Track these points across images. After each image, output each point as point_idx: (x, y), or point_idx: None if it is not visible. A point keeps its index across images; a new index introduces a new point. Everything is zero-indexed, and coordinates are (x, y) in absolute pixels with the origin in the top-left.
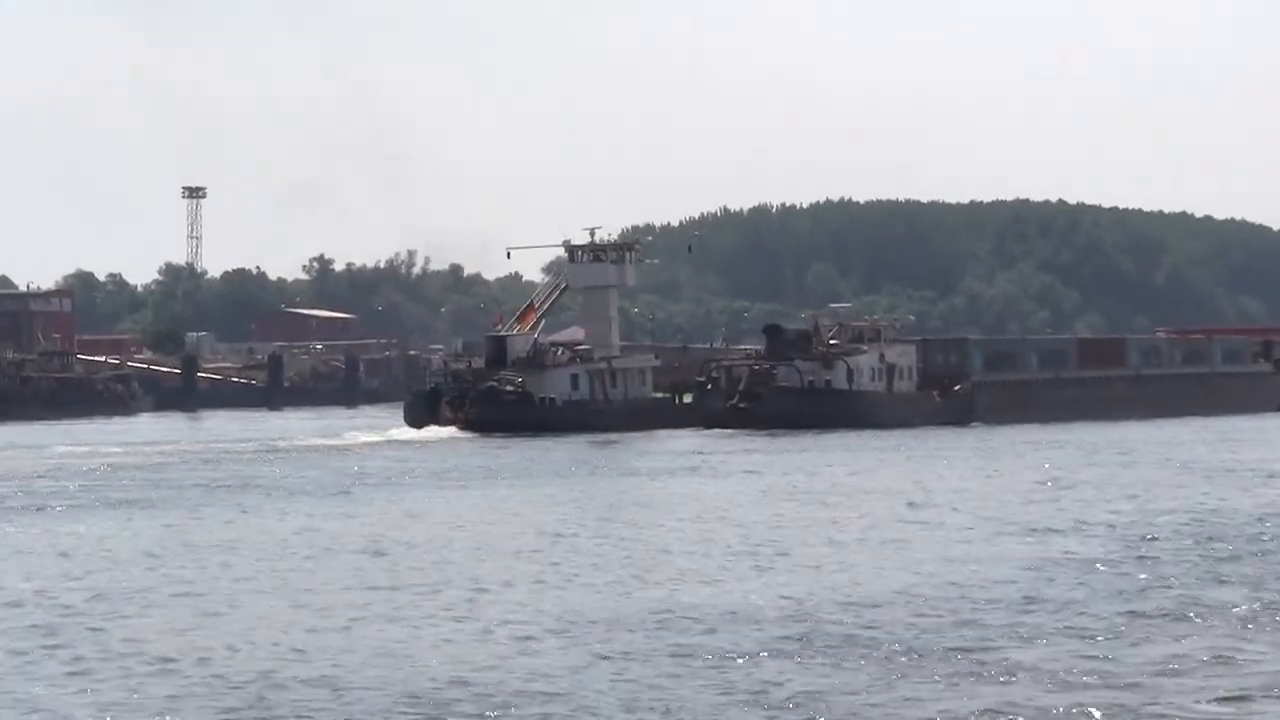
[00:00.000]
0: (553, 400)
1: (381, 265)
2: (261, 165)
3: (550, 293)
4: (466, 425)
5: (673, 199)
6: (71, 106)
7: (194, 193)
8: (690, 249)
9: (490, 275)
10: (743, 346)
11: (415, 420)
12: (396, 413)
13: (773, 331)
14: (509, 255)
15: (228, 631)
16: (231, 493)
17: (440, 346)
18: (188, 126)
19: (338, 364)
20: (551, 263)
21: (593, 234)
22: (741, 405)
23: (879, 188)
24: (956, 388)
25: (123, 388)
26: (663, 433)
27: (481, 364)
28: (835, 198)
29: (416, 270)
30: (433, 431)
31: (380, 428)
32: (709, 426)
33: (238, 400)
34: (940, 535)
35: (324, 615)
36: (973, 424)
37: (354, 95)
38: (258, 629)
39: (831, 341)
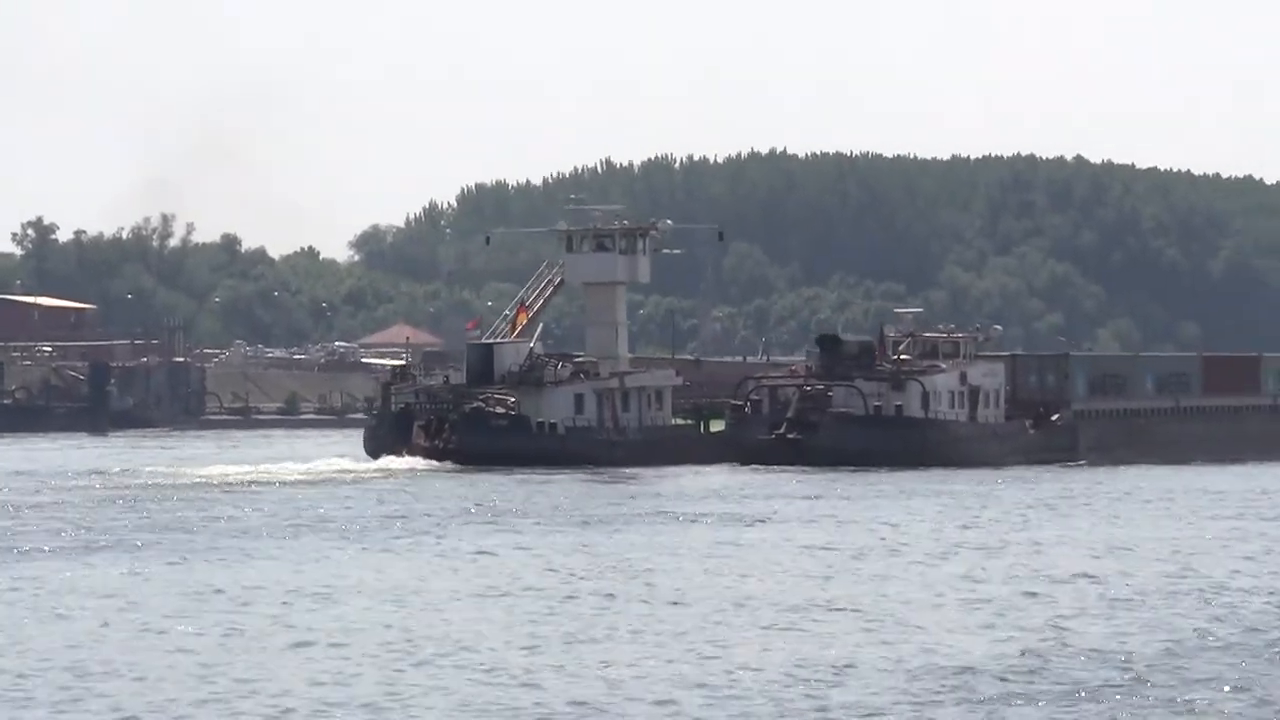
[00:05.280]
0: (553, 426)
1: (125, 235)
2: None
3: (543, 288)
4: (443, 455)
5: (535, 148)
6: None
7: None
8: (721, 237)
9: (277, 250)
10: (789, 360)
11: (379, 448)
12: (171, 441)
13: (828, 343)
14: (488, 241)
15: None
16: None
17: (220, 352)
18: None
19: (76, 375)
20: (362, 235)
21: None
22: (790, 435)
23: (823, 136)
24: (1054, 417)
25: None
26: (689, 469)
27: (462, 379)
28: (762, 149)
29: (174, 242)
30: (393, 462)
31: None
32: (746, 462)
33: None
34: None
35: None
36: (1076, 463)
37: None
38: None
39: (901, 356)
